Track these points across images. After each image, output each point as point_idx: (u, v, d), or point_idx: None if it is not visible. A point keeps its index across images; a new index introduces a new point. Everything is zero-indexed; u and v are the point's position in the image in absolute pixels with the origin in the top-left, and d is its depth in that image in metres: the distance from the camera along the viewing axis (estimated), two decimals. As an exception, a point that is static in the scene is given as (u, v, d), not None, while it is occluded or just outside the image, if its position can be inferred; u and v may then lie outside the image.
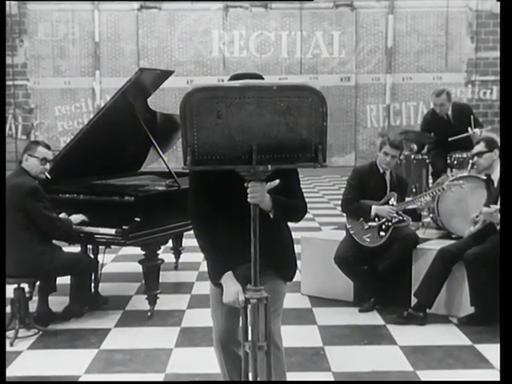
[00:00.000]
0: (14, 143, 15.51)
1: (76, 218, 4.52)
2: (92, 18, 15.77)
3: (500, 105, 11.97)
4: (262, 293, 2.41)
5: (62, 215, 4.50)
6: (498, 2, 8.97)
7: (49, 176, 4.60)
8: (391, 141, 4.86)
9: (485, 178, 4.95)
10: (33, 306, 4.64)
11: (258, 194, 2.34)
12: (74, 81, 15.95)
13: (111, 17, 15.86)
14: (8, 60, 15.22)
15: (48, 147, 4.54)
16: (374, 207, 4.78)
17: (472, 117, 6.11)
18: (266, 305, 2.44)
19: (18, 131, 15.94)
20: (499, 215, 4.26)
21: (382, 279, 4.80)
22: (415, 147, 6.03)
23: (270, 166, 2.28)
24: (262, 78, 2.67)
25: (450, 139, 5.75)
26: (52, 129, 16.04)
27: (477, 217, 4.59)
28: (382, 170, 4.89)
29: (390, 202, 4.85)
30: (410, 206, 4.90)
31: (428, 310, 4.55)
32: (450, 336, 4.29)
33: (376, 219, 4.80)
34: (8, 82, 15.34)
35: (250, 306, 2.41)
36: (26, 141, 15.59)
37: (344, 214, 5.01)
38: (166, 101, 14.78)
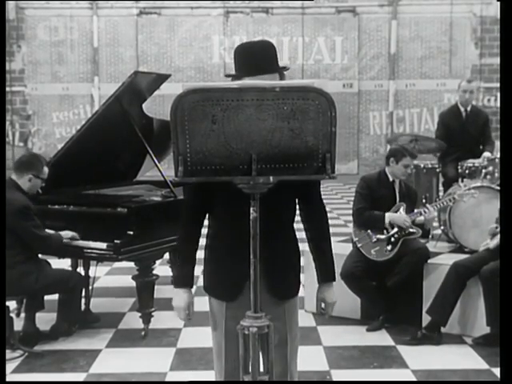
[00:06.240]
0: (11, 150, 15.28)
1: (66, 233, 4.25)
2: (91, 24, 15.57)
3: (500, 106, 11.73)
4: (264, 320, 2.14)
5: (51, 232, 4.23)
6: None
7: (40, 191, 4.36)
8: (410, 152, 4.63)
9: (498, 188, 4.68)
10: (19, 324, 4.38)
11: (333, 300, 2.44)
12: (73, 87, 15.73)
13: (110, 22, 15.65)
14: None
15: (47, 163, 4.34)
16: (387, 214, 4.53)
17: (486, 129, 5.98)
18: (268, 334, 2.17)
19: (15, 138, 15.73)
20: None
21: (392, 296, 4.53)
22: None
23: (271, 178, 2.01)
24: (274, 49, 2.38)
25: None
26: (50, 136, 15.81)
27: (496, 228, 4.30)
28: (391, 179, 4.63)
29: (399, 213, 4.59)
30: (419, 218, 4.63)
31: (442, 329, 4.27)
32: (465, 359, 4.01)
33: (385, 231, 4.53)
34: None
35: (250, 336, 2.14)
36: (23, 148, 15.39)
37: (348, 225, 4.73)
38: (165, 107, 14.54)
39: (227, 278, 2.37)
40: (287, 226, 2.41)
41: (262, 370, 2.19)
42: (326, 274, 2.48)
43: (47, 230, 4.21)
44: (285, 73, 2.43)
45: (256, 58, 2.34)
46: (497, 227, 4.26)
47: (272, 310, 2.29)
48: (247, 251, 2.18)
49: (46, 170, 4.24)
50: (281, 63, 2.44)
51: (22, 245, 4.07)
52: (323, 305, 2.47)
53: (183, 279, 2.45)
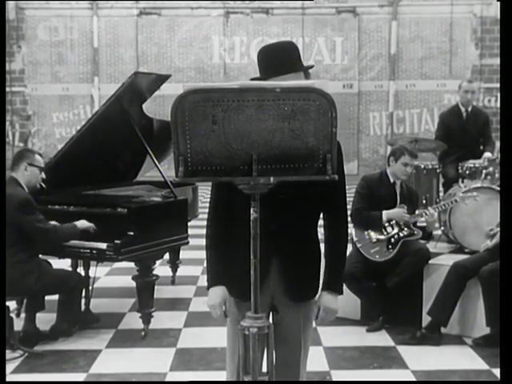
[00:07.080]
0: (11, 150, 15.26)
1: (82, 223, 4.20)
2: (91, 24, 15.56)
3: (500, 107, 11.71)
4: (264, 321, 2.14)
5: (54, 223, 4.22)
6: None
7: (44, 185, 4.35)
8: (410, 151, 4.63)
9: (499, 188, 4.68)
10: (19, 324, 4.38)
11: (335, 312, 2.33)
12: (73, 87, 15.73)
13: (110, 22, 15.65)
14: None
15: (41, 155, 4.34)
16: (385, 212, 4.53)
17: (486, 129, 5.99)
18: (268, 334, 2.17)
19: (15, 138, 15.73)
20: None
21: (391, 296, 4.53)
22: None
23: (272, 178, 2.01)
24: (297, 49, 2.38)
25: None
26: (50, 136, 15.81)
27: (491, 230, 4.33)
28: (392, 180, 4.63)
29: (397, 211, 4.60)
30: (420, 220, 4.63)
31: (442, 329, 4.27)
32: (465, 359, 4.02)
33: (385, 232, 4.53)
34: (5, 89, 15.14)
35: (251, 337, 2.14)
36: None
37: (349, 225, 4.72)
38: (165, 108, 14.54)
39: (242, 277, 2.35)
40: (308, 227, 2.38)
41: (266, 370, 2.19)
42: (332, 282, 2.39)
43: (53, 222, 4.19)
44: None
45: (281, 57, 2.36)
46: (491, 229, 4.28)
47: (289, 313, 2.29)
48: (262, 252, 2.14)
49: (38, 157, 4.24)
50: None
51: (24, 243, 4.06)
52: (321, 311, 2.35)
53: (216, 278, 2.41)
